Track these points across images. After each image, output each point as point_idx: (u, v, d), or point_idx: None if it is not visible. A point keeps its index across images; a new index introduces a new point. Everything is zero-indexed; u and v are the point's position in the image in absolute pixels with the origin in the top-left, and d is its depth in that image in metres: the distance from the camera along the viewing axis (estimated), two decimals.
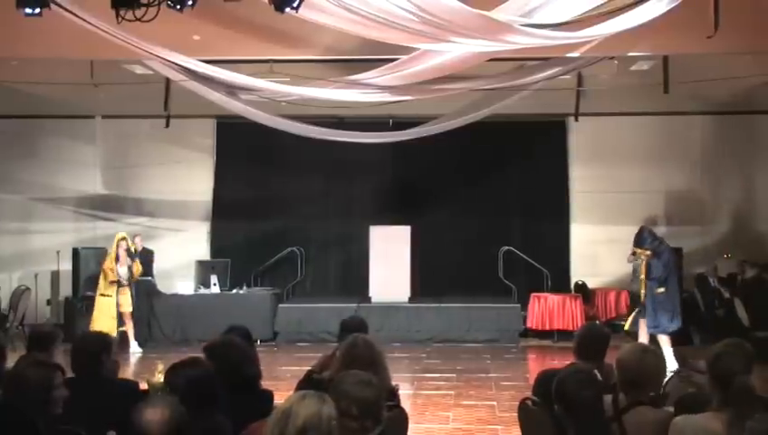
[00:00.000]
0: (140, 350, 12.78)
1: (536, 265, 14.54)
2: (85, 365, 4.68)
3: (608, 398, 3.99)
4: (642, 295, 11.25)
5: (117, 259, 12.63)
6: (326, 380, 4.36)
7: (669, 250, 11.40)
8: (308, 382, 4.79)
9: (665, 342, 10.85)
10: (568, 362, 4.91)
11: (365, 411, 3.27)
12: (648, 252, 11.20)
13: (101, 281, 12.72)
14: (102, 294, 12.65)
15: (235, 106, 12.11)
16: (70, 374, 4.56)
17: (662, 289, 11.05)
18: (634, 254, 11.50)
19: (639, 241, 11.41)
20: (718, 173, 15.34)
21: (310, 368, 5.21)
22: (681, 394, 4.24)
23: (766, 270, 13.28)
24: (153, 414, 3.15)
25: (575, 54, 9.77)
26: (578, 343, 4.97)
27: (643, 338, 10.96)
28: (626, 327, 11.71)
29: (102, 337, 5.06)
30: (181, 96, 12.69)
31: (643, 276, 11.24)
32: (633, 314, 11.64)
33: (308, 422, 2.84)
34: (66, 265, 14.46)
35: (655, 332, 10.98)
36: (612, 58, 11.24)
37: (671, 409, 4.03)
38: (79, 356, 4.74)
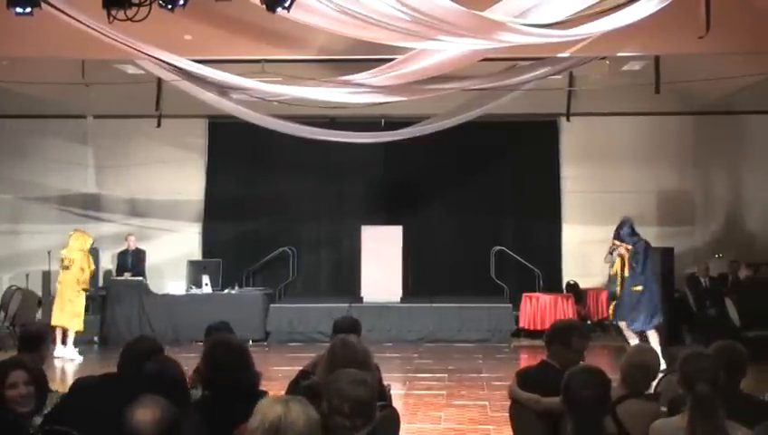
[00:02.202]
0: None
1: (528, 265, 14.56)
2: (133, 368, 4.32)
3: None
4: (618, 291, 11.29)
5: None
6: (315, 384, 4.34)
7: (647, 248, 11.33)
8: (296, 388, 4.75)
9: (653, 339, 10.89)
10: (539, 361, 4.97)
11: (357, 410, 3.27)
12: (630, 247, 11.19)
13: (86, 278, 12.70)
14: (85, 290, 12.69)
15: (226, 106, 12.08)
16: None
17: (639, 287, 11.03)
18: (612, 249, 11.45)
19: (620, 234, 11.39)
20: (709, 173, 15.40)
21: (302, 368, 5.19)
22: (673, 395, 4.26)
23: (759, 270, 13.32)
24: (144, 414, 3.13)
25: (567, 54, 9.77)
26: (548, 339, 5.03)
27: (631, 335, 11.00)
28: (610, 317, 11.72)
29: (155, 342, 4.67)
30: (173, 96, 12.67)
31: (618, 269, 11.27)
32: (612, 305, 11.71)
33: (302, 431, 2.83)
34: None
35: (633, 329, 11.02)
36: (604, 58, 11.26)
37: (664, 408, 4.09)
38: (130, 359, 4.40)
